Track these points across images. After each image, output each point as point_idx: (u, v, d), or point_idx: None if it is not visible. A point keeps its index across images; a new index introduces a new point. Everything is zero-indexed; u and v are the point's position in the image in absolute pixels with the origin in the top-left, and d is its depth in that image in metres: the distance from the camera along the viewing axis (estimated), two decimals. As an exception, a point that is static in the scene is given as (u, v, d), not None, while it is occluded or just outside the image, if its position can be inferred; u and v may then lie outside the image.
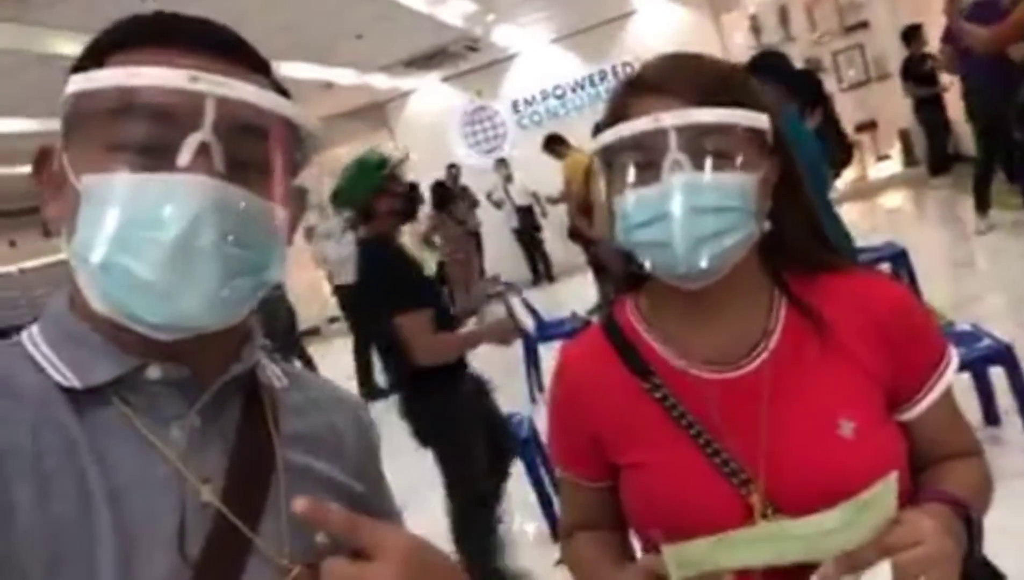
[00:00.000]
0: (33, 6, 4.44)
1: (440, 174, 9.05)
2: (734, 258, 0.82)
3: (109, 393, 0.61)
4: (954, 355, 0.89)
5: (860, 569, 0.71)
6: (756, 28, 9.56)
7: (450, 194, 8.59)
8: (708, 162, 0.79)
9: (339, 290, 7.46)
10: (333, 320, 10.88)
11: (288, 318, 7.42)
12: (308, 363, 6.99)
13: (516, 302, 4.51)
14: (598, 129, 0.88)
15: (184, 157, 0.58)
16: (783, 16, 9.50)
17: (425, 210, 8.27)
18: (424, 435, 2.64)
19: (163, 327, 0.58)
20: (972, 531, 0.78)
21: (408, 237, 8.68)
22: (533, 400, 4.86)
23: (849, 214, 8.22)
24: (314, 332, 10.50)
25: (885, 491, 0.71)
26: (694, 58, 0.87)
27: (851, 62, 9.41)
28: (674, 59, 0.87)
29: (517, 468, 3.11)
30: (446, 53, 8.98)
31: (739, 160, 0.81)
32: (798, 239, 0.89)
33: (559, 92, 10.32)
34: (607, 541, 0.97)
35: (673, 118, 0.78)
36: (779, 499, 0.80)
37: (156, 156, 0.58)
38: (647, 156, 0.81)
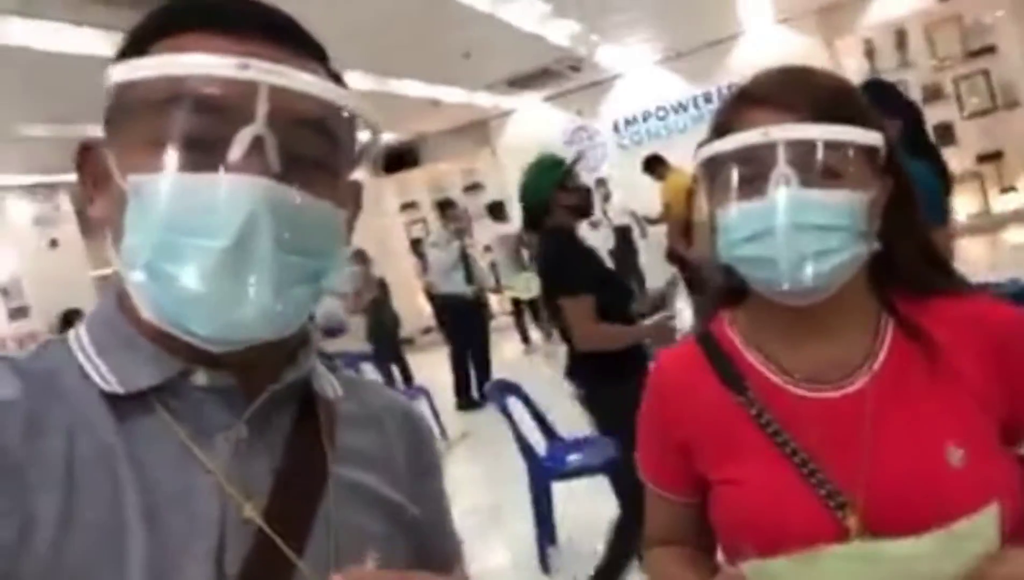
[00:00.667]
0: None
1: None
2: (840, 278, 0.81)
3: (152, 399, 0.58)
4: None
5: None
6: (871, 53, 9.22)
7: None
8: (816, 179, 0.78)
9: (437, 300, 7.61)
10: (427, 330, 11.09)
11: (392, 324, 7.66)
12: (404, 370, 7.16)
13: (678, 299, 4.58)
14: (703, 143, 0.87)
15: (236, 153, 0.53)
16: (900, 40, 9.11)
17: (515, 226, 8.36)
18: (608, 422, 2.71)
19: (215, 340, 0.55)
20: None
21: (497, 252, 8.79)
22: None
23: (970, 249, 7.87)
24: (409, 342, 10.74)
25: (986, 522, 0.68)
26: (806, 71, 0.86)
27: (974, 89, 8.93)
28: (785, 72, 0.86)
29: (608, 493, 3.08)
30: (549, 73, 9.07)
31: (849, 178, 0.79)
32: (909, 260, 0.87)
33: (661, 113, 10.24)
34: (691, 557, 0.96)
35: (783, 132, 0.78)
36: (878, 525, 0.78)
37: (206, 152, 0.54)
38: (753, 169, 0.80)
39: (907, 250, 0.86)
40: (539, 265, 2.95)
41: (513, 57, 7.98)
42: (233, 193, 0.53)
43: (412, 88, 7.77)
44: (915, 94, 9.03)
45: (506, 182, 10.07)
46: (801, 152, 0.78)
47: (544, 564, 3.25)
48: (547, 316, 3.11)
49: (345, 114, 0.59)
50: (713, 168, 0.85)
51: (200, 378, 0.59)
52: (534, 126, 10.78)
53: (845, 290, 0.82)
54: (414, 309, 10.54)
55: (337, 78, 0.63)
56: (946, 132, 8.84)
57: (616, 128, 10.51)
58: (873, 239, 0.83)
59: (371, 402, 0.74)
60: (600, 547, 2.84)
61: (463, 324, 6.86)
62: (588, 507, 3.52)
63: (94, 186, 0.61)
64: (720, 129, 0.85)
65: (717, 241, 0.85)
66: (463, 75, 8.13)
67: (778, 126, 0.78)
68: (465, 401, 6.41)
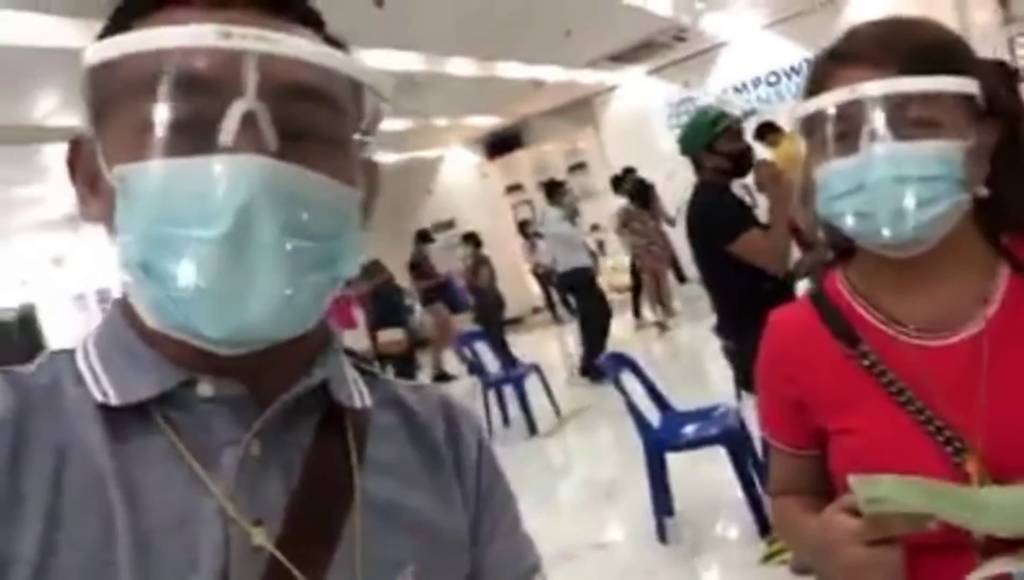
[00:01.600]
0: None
1: (645, 168, 9.00)
2: (942, 227, 0.81)
3: (153, 413, 0.53)
4: None
5: None
6: (1004, 1, 8.53)
7: (651, 192, 8.52)
8: (909, 131, 0.78)
9: (557, 277, 7.67)
10: (536, 310, 11.22)
11: (498, 304, 7.84)
12: (503, 346, 7.26)
13: None
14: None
15: (227, 132, 0.48)
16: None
17: (620, 201, 8.31)
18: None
19: (226, 341, 0.49)
20: None
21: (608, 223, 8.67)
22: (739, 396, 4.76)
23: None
24: (517, 321, 10.89)
25: None
26: (897, 23, 0.86)
27: None
28: (876, 26, 0.86)
29: (724, 463, 3.07)
30: (652, 45, 8.91)
31: (945, 128, 0.79)
32: (1019, 203, 0.86)
33: (772, 79, 9.88)
34: (812, 505, 0.97)
35: (871, 88, 0.79)
36: (999, 469, 0.78)
37: (194, 133, 0.49)
38: (846, 126, 0.81)
39: (1016, 193, 0.86)
40: (689, 221, 2.86)
41: (614, 31, 7.89)
42: (226, 175, 0.47)
43: (513, 70, 7.83)
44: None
45: (609, 161, 10.02)
46: (891, 106, 0.79)
47: (661, 535, 3.27)
48: (700, 277, 3.00)
49: (345, 81, 0.53)
50: (809, 128, 0.87)
51: (206, 389, 0.53)
52: (638, 100, 10.63)
53: (953, 237, 0.83)
54: (523, 289, 10.67)
55: (338, 45, 0.57)
56: None
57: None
58: (976, 185, 0.83)
59: (416, 408, 0.66)
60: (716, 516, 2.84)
61: (592, 296, 6.89)
62: (704, 478, 3.52)
63: (87, 184, 0.55)
64: (813, 89, 0.86)
65: (817, 199, 0.87)
66: (564, 53, 8.12)
67: (867, 83, 0.79)
68: (595, 373, 6.43)
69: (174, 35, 0.48)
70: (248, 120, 0.48)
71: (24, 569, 0.46)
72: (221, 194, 0.47)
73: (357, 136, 0.56)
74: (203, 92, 0.49)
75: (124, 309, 0.56)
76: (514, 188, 11.93)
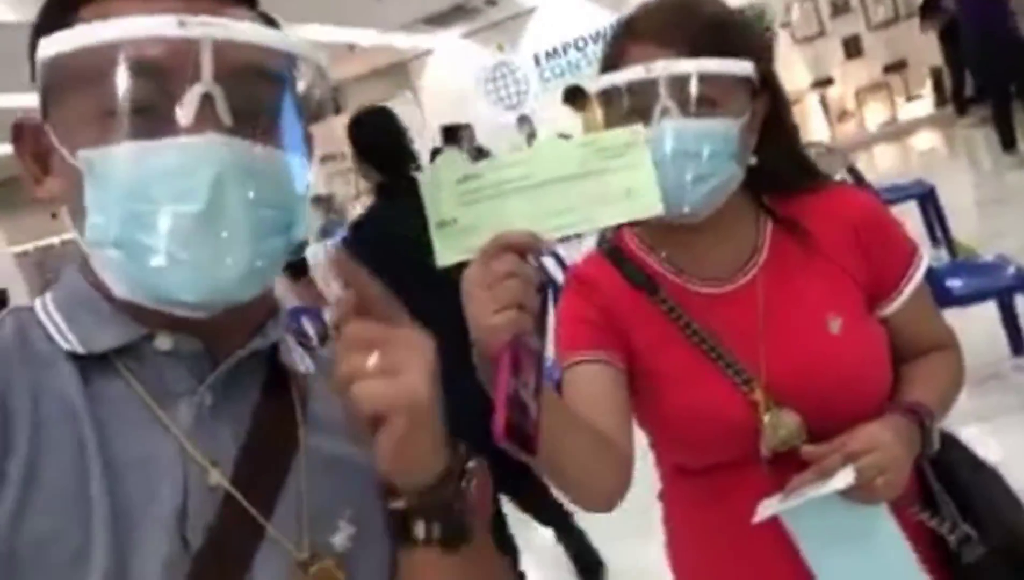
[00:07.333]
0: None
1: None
2: (718, 198, 0.90)
3: (116, 362, 0.57)
4: (924, 255, 0.98)
5: (828, 474, 0.84)
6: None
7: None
8: (694, 108, 0.85)
9: None
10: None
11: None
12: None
13: None
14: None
15: (186, 113, 0.52)
16: (809, -45, 9.25)
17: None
18: None
19: (202, 305, 0.54)
20: (925, 434, 0.89)
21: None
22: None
23: (880, 156, 8.16)
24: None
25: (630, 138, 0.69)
26: (685, 4, 0.92)
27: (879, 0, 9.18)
28: (666, 6, 0.92)
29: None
30: (465, 8, 8.93)
31: (725, 106, 0.87)
32: (781, 168, 0.97)
33: (580, 44, 10.22)
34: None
35: (661, 68, 0.85)
36: (779, 393, 0.89)
37: (155, 117, 0.52)
38: (636, 103, 0.87)
39: (778, 158, 0.96)
40: None
41: (426, -6, 7.82)
42: (196, 154, 0.52)
43: (324, 33, 7.56)
44: (824, 8, 9.25)
45: (431, 125, 9.97)
46: (680, 85, 0.85)
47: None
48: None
49: (289, 59, 0.57)
50: (605, 99, 0.93)
51: (164, 342, 0.58)
52: (455, 65, 10.64)
53: (727, 202, 0.92)
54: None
55: (271, 21, 0.61)
56: (853, 44, 9.13)
57: (537, 62, 10.46)
58: (748, 156, 0.93)
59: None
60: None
61: None
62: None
63: (37, 165, 0.58)
64: (608, 62, 0.93)
65: None
66: (376, 17, 7.94)
67: (657, 62, 0.85)
68: None
69: (132, 26, 0.51)
70: (205, 101, 0.52)
71: (14, 487, 0.51)
72: (195, 172, 0.51)
73: (301, 106, 0.60)
74: (161, 78, 0.53)
75: (84, 272, 0.59)
76: (328, 158, 11.52)
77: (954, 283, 2.92)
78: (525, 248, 0.65)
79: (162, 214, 0.51)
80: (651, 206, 0.68)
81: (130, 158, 0.52)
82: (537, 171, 0.67)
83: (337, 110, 11.25)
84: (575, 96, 7.17)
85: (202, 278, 0.52)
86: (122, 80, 0.52)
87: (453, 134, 7.16)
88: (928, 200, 4.27)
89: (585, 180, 0.67)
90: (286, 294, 3.51)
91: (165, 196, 0.51)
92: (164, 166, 0.51)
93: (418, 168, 2.47)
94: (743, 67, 0.88)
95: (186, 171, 0.51)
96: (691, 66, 0.85)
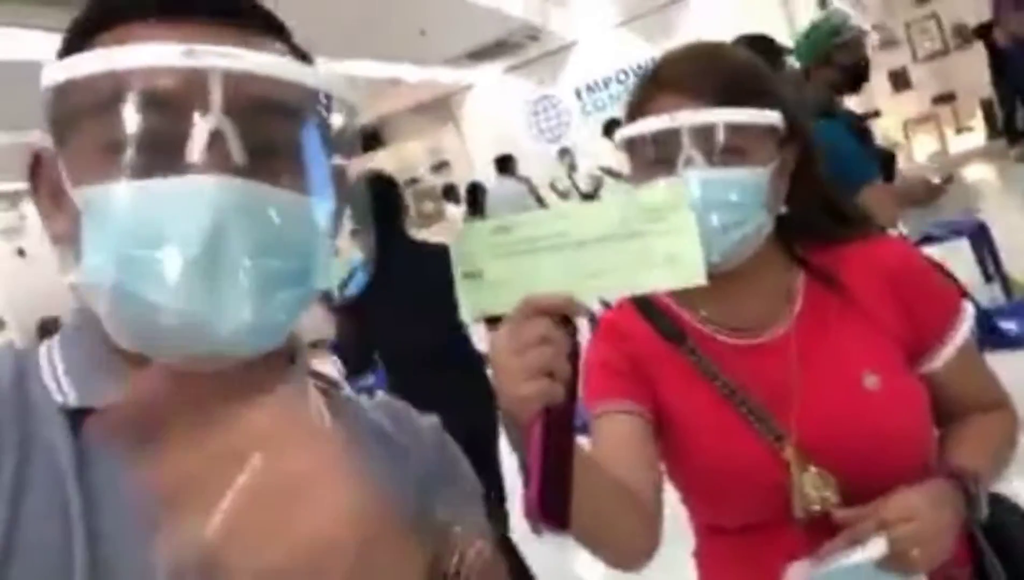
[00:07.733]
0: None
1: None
2: (746, 248, 0.88)
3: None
4: (969, 308, 0.94)
5: (860, 541, 0.78)
6: (824, 2, 9.26)
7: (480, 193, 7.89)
8: (720, 158, 0.84)
9: None
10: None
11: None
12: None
13: None
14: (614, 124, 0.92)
15: (194, 151, 0.48)
16: (854, -12, 9.17)
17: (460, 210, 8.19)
18: None
19: (202, 359, 0.50)
20: (971, 500, 0.83)
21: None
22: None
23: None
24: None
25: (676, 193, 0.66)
26: (712, 54, 0.92)
27: (925, 32, 9.04)
28: (691, 55, 0.92)
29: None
30: (507, 44, 9.03)
31: (751, 154, 0.86)
32: (813, 217, 0.95)
33: (622, 77, 10.25)
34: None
35: (686, 118, 0.84)
36: (812, 450, 0.86)
37: (161, 153, 0.49)
38: (662, 152, 0.87)
39: (810, 207, 0.95)
40: None
41: (470, 31, 7.95)
42: (194, 196, 0.47)
43: (369, 68, 7.72)
44: (870, 40, 9.13)
45: (472, 159, 10.06)
46: (704, 135, 0.84)
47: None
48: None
49: (312, 94, 0.53)
50: (631, 148, 0.92)
51: None
52: (497, 99, 10.74)
53: (758, 250, 0.90)
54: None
55: (303, 55, 0.57)
56: (900, 77, 8.98)
57: (578, 95, 10.50)
58: (778, 205, 0.91)
59: (380, 421, 0.66)
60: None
61: None
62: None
63: (50, 200, 0.55)
64: (633, 110, 0.92)
65: None
66: (420, 52, 8.08)
67: (681, 112, 0.85)
68: None
69: (137, 55, 0.48)
70: (215, 138, 0.48)
71: None
72: (190, 217, 0.47)
73: (326, 144, 0.55)
74: (168, 111, 0.49)
75: (84, 315, 0.55)
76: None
77: (1008, 325, 2.82)
78: (560, 311, 0.61)
79: (156, 260, 0.47)
80: (694, 275, 0.64)
81: (129, 197, 0.48)
82: (574, 229, 0.64)
83: (380, 144, 11.49)
84: (614, 129, 7.15)
85: (198, 331, 0.48)
86: (124, 112, 0.48)
87: (505, 164, 7.18)
88: (980, 236, 4.15)
89: (625, 241, 0.64)
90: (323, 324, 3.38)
91: (160, 241, 0.47)
92: (161, 207, 0.48)
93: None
94: (768, 116, 0.87)
95: (182, 213, 0.47)
96: (715, 116, 0.85)
